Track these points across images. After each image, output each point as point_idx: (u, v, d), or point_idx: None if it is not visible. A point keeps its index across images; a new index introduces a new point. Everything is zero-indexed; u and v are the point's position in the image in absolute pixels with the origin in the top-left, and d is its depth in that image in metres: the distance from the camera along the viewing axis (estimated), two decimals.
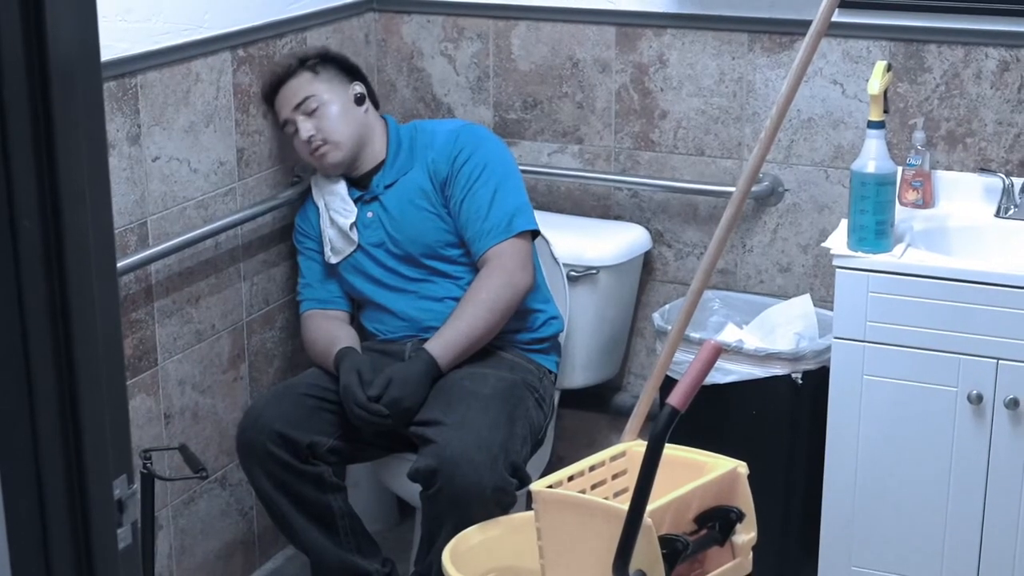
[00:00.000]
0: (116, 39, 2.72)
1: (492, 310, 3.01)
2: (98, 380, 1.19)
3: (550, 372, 3.16)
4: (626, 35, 3.38)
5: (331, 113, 3.11)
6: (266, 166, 3.23)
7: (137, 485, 1.26)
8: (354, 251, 3.14)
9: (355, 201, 3.17)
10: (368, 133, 3.16)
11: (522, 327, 3.12)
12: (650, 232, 3.44)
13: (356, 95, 3.17)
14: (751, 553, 2.38)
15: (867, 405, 2.90)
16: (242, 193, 3.16)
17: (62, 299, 1.15)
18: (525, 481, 2.83)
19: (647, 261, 3.47)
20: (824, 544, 3.01)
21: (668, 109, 3.38)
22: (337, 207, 3.16)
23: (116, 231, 2.74)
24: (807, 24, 2.48)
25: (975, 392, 2.80)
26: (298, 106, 3.11)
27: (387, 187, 3.14)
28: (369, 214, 3.15)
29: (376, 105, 3.25)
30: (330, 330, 3.13)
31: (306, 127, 3.10)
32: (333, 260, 3.16)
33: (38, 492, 1.16)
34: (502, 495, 2.78)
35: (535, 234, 3.13)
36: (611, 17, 3.38)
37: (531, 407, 2.99)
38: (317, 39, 3.35)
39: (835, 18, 2.57)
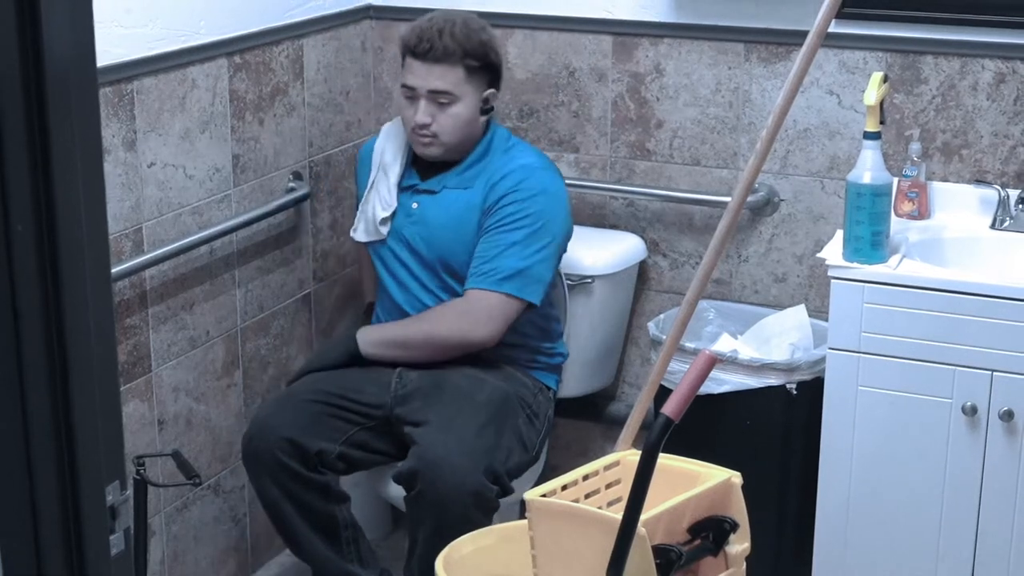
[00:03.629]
0: (112, 45, 2.72)
1: (433, 342, 3.01)
2: (91, 386, 1.18)
3: (547, 388, 3.15)
4: (623, 44, 3.38)
5: (457, 115, 2.99)
6: (261, 173, 3.23)
7: (130, 491, 1.25)
8: (380, 241, 3.12)
9: (408, 187, 3.11)
10: (472, 138, 3.07)
11: (530, 356, 3.12)
12: (645, 241, 3.44)
13: (484, 102, 3.04)
14: (745, 563, 2.38)
15: (861, 416, 2.90)
16: (237, 200, 3.16)
17: (56, 304, 1.14)
18: (507, 490, 2.83)
19: (642, 270, 3.47)
20: (818, 554, 3.00)
21: (664, 118, 3.38)
22: (382, 192, 3.12)
23: (111, 237, 2.74)
24: (804, 34, 2.48)
25: (970, 404, 2.80)
26: (434, 93, 2.99)
27: (445, 188, 3.08)
28: (414, 204, 3.09)
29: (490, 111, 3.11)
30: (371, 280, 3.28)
31: (426, 114, 2.98)
32: (358, 238, 3.14)
33: (30, 497, 1.16)
34: (481, 500, 2.77)
35: (529, 305, 2.99)
36: (608, 26, 3.38)
37: (521, 422, 2.98)
38: (314, 46, 3.35)
39: (832, 29, 2.58)
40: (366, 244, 3.16)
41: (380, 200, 3.11)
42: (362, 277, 3.42)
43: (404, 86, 3.02)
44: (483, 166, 3.06)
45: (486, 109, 3.05)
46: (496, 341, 2.99)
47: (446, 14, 3.04)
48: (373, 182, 3.13)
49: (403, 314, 3.11)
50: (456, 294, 3.06)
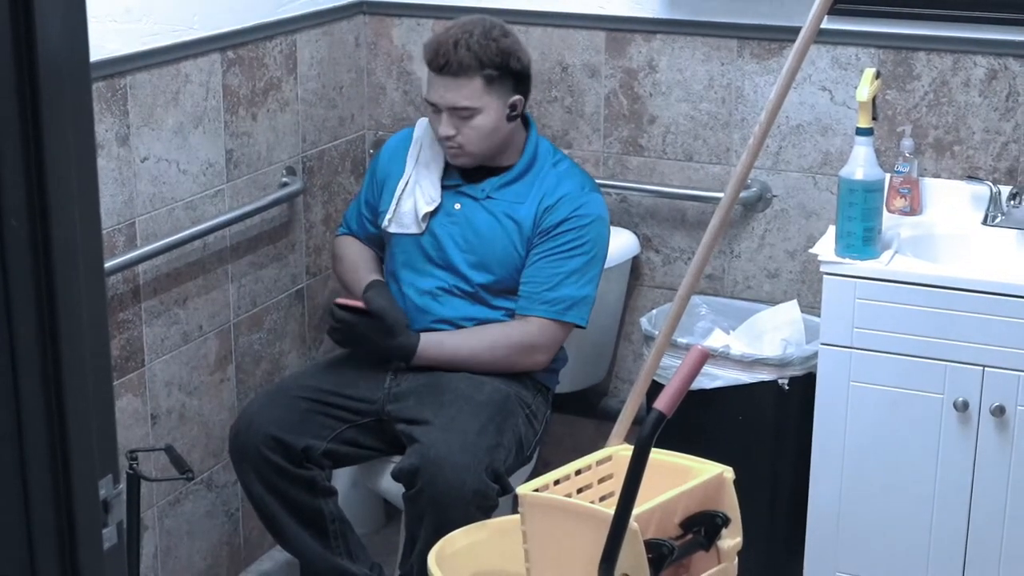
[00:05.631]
0: (106, 40, 2.72)
1: (494, 362, 3.01)
2: (84, 380, 1.19)
3: (547, 389, 3.15)
4: (616, 40, 3.38)
5: (481, 126, 2.97)
6: (255, 167, 3.23)
7: (123, 486, 1.26)
8: (410, 235, 3.09)
9: (450, 187, 3.09)
10: (505, 144, 3.05)
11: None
12: (638, 237, 3.45)
13: (510, 109, 3.00)
14: (736, 558, 2.38)
15: (853, 411, 2.91)
16: (230, 194, 3.16)
17: (49, 299, 1.15)
18: (506, 489, 2.83)
19: (635, 266, 3.47)
20: (809, 549, 3.01)
21: (657, 114, 3.38)
22: (425, 187, 3.10)
23: (104, 231, 2.74)
24: (796, 31, 2.49)
25: (961, 399, 2.81)
26: (454, 108, 2.96)
27: (490, 198, 3.07)
28: (457, 205, 3.08)
29: (524, 118, 3.10)
30: (366, 256, 3.20)
31: (449, 126, 2.97)
32: (390, 228, 3.11)
33: (23, 491, 1.16)
34: (482, 499, 2.78)
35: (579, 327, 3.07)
36: (601, 22, 3.38)
37: (521, 422, 2.99)
38: (307, 42, 3.35)
39: (824, 25, 2.58)
40: (392, 235, 3.15)
41: (423, 194, 3.09)
42: (356, 265, 3.23)
43: (427, 100, 3.03)
44: (532, 179, 3.06)
45: (512, 116, 3.01)
46: (547, 365, 3.08)
47: (465, 24, 3.00)
48: (411, 176, 3.11)
49: (414, 307, 3.09)
50: (477, 299, 3.06)
